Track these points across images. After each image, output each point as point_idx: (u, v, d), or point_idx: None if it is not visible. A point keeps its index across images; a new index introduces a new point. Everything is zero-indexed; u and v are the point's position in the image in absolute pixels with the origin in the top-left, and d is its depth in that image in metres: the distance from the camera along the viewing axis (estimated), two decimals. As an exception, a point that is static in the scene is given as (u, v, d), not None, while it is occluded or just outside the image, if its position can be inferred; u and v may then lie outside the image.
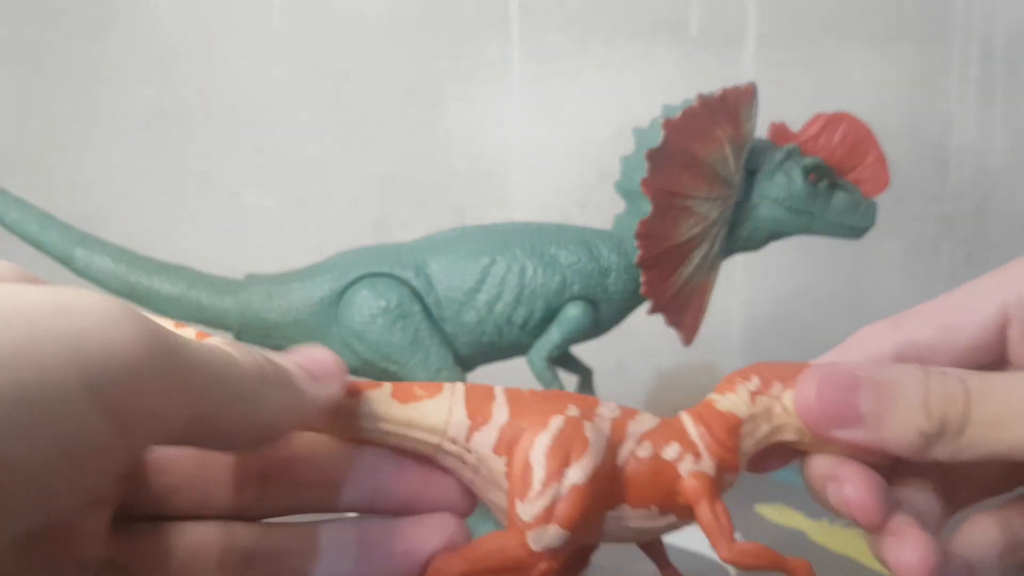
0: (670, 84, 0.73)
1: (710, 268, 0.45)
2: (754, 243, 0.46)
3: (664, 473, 0.24)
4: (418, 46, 0.73)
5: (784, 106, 0.50)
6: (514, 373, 0.50)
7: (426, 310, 0.43)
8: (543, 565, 0.22)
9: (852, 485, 0.23)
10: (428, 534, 0.24)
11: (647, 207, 0.42)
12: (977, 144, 0.76)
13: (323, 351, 0.23)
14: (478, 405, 0.24)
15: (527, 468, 0.23)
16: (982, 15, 0.75)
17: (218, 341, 0.21)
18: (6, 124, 0.72)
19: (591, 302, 0.44)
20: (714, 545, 0.23)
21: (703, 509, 0.23)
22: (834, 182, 0.45)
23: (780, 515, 0.51)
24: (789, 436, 0.25)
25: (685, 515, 0.24)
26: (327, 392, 0.22)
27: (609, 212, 0.47)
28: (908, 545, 0.23)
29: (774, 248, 0.48)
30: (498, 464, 0.23)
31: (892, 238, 0.76)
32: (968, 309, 0.25)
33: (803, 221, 0.45)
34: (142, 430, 0.16)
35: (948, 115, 0.76)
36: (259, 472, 0.24)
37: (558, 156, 0.75)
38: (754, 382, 0.25)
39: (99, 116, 0.72)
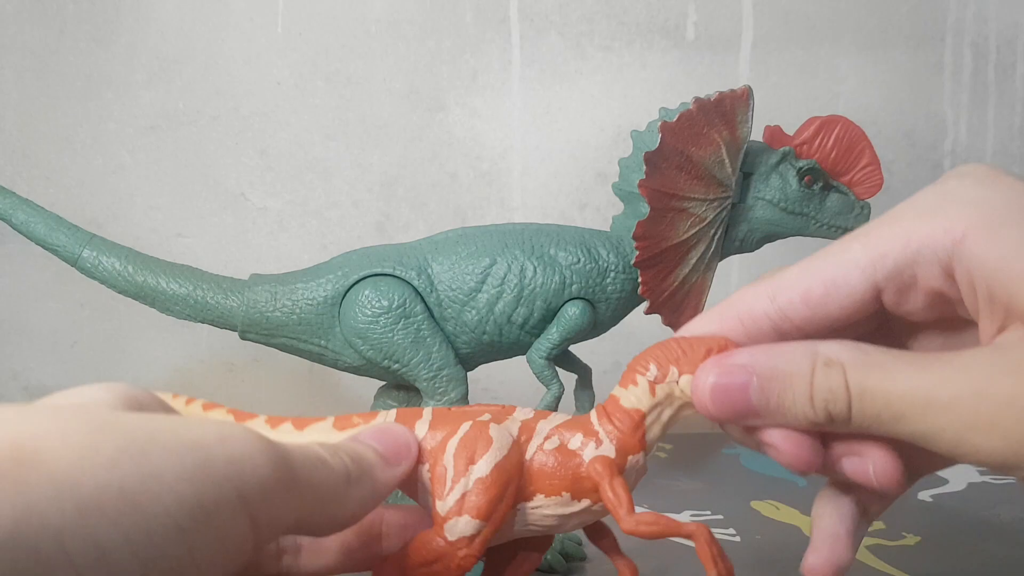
0: (667, 88, 0.74)
1: (706, 269, 0.46)
2: (750, 244, 0.47)
3: (570, 461, 0.26)
4: (420, 50, 0.74)
5: (779, 109, 0.51)
6: (514, 372, 0.51)
7: (428, 310, 0.44)
8: (461, 552, 0.25)
9: (781, 437, 0.25)
10: None
11: (645, 208, 0.43)
12: (970, 146, 0.77)
13: (400, 431, 0.26)
14: (407, 425, 0.27)
15: (442, 471, 0.25)
16: (974, 19, 0.76)
17: (314, 443, 0.24)
18: (15, 127, 0.73)
19: (590, 302, 0.45)
20: (615, 518, 0.25)
21: (603, 487, 0.25)
22: (828, 184, 0.45)
23: (776, 511, 0.52)
24: (691, 412, 0.26)
25: (597, 499, 0.26)
26: (399, 472, 0.25)
27: (607, 213, 0.48)
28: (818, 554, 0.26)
29: (769, 249, 0.48)
30: (424, 471, 0.26)
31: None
32: (838, 285, 0.24)
33: (798, 223, 0.46)
34: (268, 530, 0.20)
35: (941, 118, 0.77)
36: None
37: (557, 158, 0.75)
38: (652, 372, 0.26)
39: (106, 119, 0.73)
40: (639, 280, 0.44)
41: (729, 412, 0.24)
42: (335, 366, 0.46)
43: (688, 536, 0.25)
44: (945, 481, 0.57)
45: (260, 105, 0.74)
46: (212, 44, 0.73)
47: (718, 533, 0.48)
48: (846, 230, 0.46)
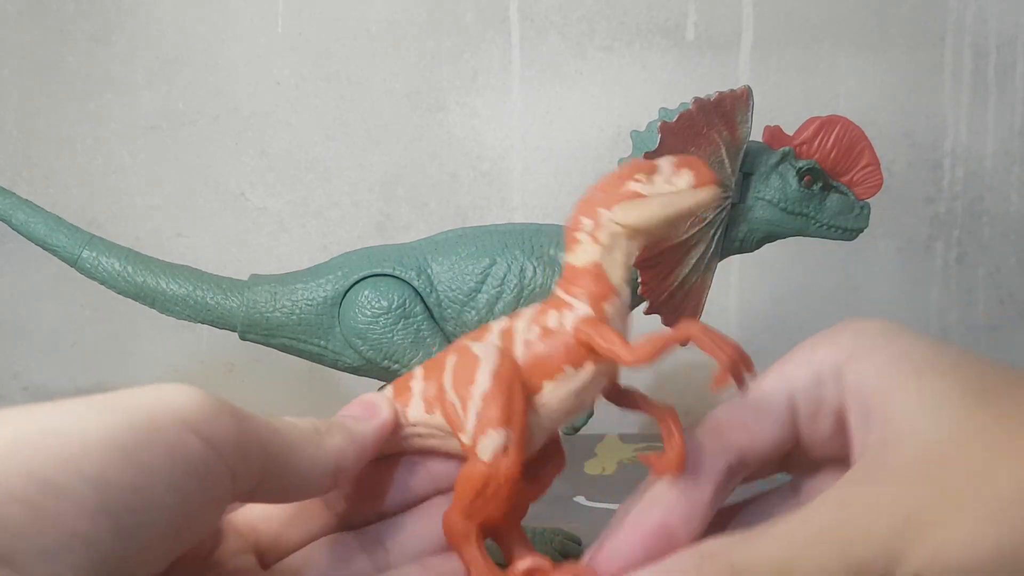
0: (667, 88, 0.74)
1: (706, 269, 0.46)
2: (750, 244, 0.47)
3: (555, 338, 0.26)
4: (420, 51, 0.74)
5: (779, 109, 0.51)
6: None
7: (428, 310, 0.44)
8: (503, 465, 0.25)
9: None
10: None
11: (644, 209, 0.43)
12: (969, 146, 0.77)
13: (365, 396, 0.26)
14: (402, 391, 0.27)
15: (451, 407, 0.26)
16: (974, 20, 0.76)
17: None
18: (15, 127, 0.73)
19: (590, 302, 0.45)
20: (618, 360, 0.25)
21: (595, 342, 0.25)
22: (828, 184, 0.45)
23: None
24: (640, 241, 0.26)
25: (598, 357, 0.26)
26: (375, 425, 0.25)
27: (607, 214, 0.48)
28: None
29: (769, 249, 0.48)
30: (437, 419, 0.26)
31: (886, 239, 0.77)
32: (764, 411, 0.25)
33: (798, 223, 0.46)
34: (234, 459, 0.20)
35: (941, 118, 0.77)
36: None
37: (557, 158, 0.75)
38: (586, 223, 0.26)
39: (106, 119, 0.73)
40: (639, 280, 0.44)
41: None
42: (335, 366, 0.46)
43: (684, 339, 0.25)
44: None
45: (260, 105, 0.74)
46: (212, 44, 0.73)
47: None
48: (846, 230, 0.46)
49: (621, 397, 0.28)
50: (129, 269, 0.46)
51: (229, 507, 0.21)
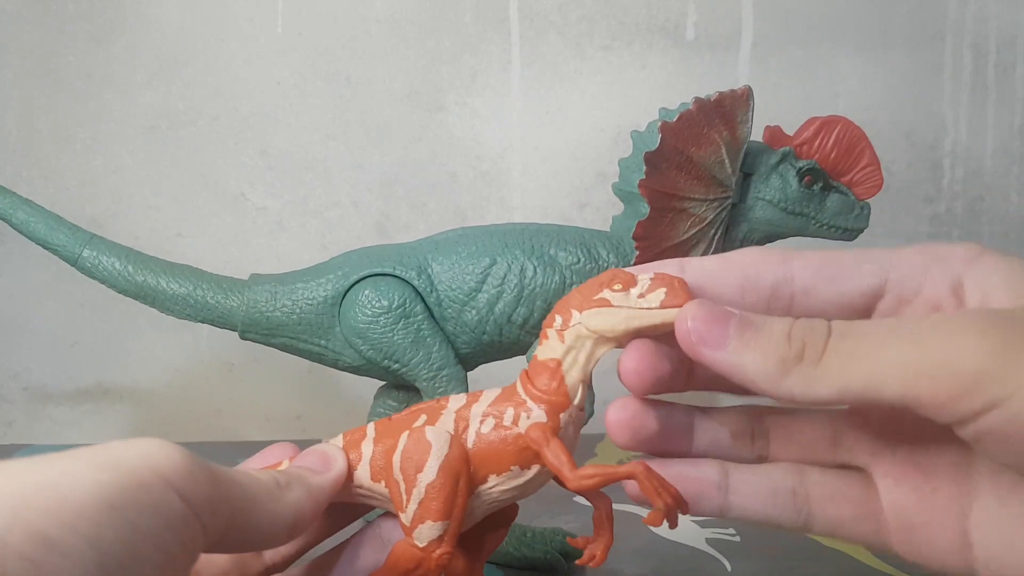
0: (667, 87, 0.74)
1: (706, 268, 0.46)
2: (750, 244, 0.47)
3: (508, 438, 0.27)
4: (419, 50, 0.74)
5: (779, 109, 0.51)
6: (514, 372, 0.51)
7: (428, 310, 0.44)
8: (436, 553, 0.26)
9: (626, 354, 0.26)
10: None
11: (644, 209, 0.43)
12: (970, 146, 0.77)
13: (322, 447, 0.28)
14: (353, 448, 0.28)
15: (396, 485, 0.27)
16: (974, 19, 0.76)
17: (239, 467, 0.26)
18: (15, 126, 0.73)
19: (590, 302, 0.45)
20: (561, 480, 0.26)
21: (544, 454, 0.26)
22: (828, 184, 0.45)
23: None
24: (605, 347, 0.27)
25: (542, 460, 0.27)
26: (331, 478, 0.27)
27: (607, 213, 0.48)
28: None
29: (769, 249, 0.48)
30: (381, 488, 0.28)
31: (886, 239, 0.77)
32: (852, 270, 0.26)
33: (798, 223, 0.46)
34: (206, 515, 0.21)
35: (941, 118, 0.77)
36: None
37: (557, 158, 0.75)
38: (557, 321, 0.27)
39: (106, 119, 0.73)
40: (639, 280, 0.44)
41: (700, 333, 0.24)
42: (335, 366, 0.46)
43: (628, 477, 0.26)
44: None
45: (260, 105, 0.74)
46: (212, 44, 0.73)
47: (718, 533, 0.48)
48: (846, 230, 0.46)
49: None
50: (129, 268, 0.46)
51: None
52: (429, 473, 0.26)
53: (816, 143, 0.46)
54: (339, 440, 0.29)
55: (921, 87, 0.76)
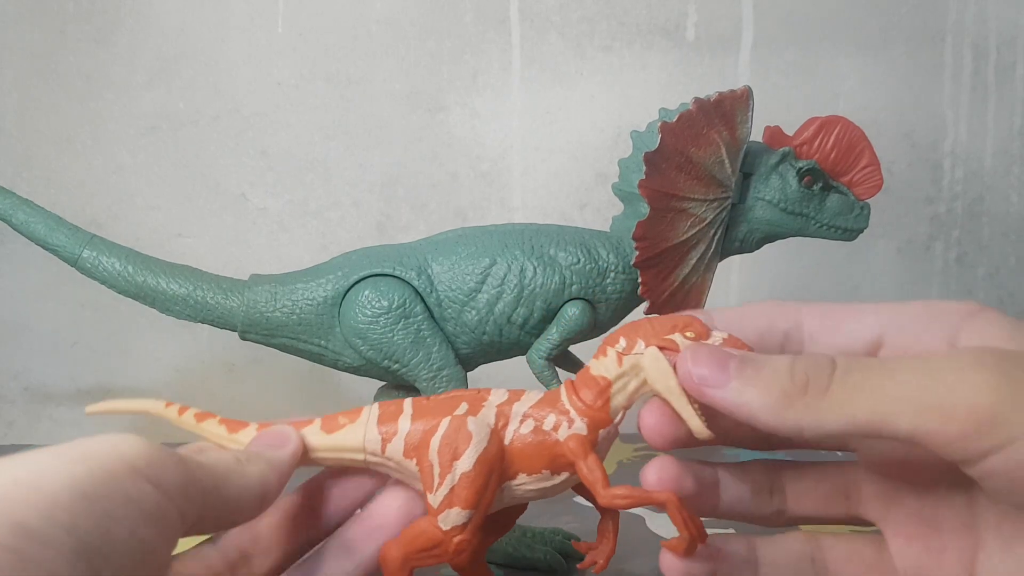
0: (667, 88, 0.74)
1: (706, 269, 0.46)
2: (750, 245, 0.47)
3: (546, 443, 0.28)
4: (420, 51, 0.74)
5: (779, 109, 0.51)
6: (514, 372, 0.51)
7: (428, 310, 0.44)
8: (456, 539, 0.27)
9: (649, 411, 0.27)
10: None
11: (644, 209, 0.43)
12: (969, 147, 0.77)
13: (278, 428, 0.29)
14: (388, 422, 0.29)
15: (429, 466, 0.28)
16: (975, 20, 0.76)
17: (195, 446, 0.28)
18: (15, 127, 0.73)
19: (590, 302, 0.45)
20: (593, 493, 0.27)
21: (580, 466, 0.27)
22: (828, 185, 0.45)
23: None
24: (657, 388, 0.28)
25: (574, 470, 0.28)
26: (289, 451, 0.28)
27: (607, 214, 0.48)
28: (654, 464, 0.27)
29: (769, 249, 0.48)
30: (411, 465, 0.28)
31: (886, 239, 0.77)
32: (853, 320, 0.27)
33: (798, 223, 0.46)
34: (179, 499, 0.22)
35: (941, 118, 0.77)
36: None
37: (557, 158, 0.75)
38: (621, 344, 0.28)
39: (106, 119, 0.73)
40: (639, 280, 0.44)
41: (703, 373, 0.25)
42: (335, 366, 0.46)
43: (660, 504, 0.27)
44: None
45: (260, 105, 0.74)
46: (212, 44, 0.73)
47: (718, 533, 0.48)
48: (846, 230, 0.46)
49: (583, 490, 0.30)
50: (130, 269, 0.46)
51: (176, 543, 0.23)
52: (466, 463, 0.27)
53: (816, 143, 0.46)
54: (375, 410, 0.29)
55: (921, 87, 0.76)
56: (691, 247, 0.45)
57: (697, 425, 0.27)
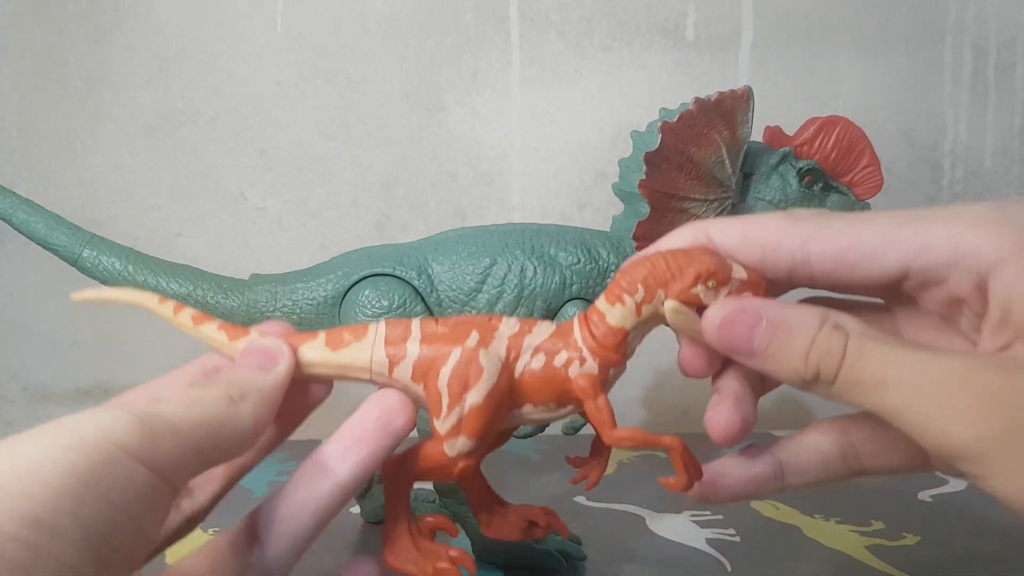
0: (667, 88, 0.74)
1: (706, 268, 0.46)
2: (750, 244, 0.47)
3: (556, 378, 0.28)
4: (419, 50, 0.74)
5: (779, 109, 0.51)
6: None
7: (428, 310, 0.44)
8: (460, 464, 0.28)
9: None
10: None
11: (644, 209, 0.43)
12: (969, 146, 0.77)
13: (266, 342, 0.28)
14: (396, 343, 0.28)
15: (437, 395, 0.27)
16: (974, 19, 0.76)
17: (186, 390, 0.26)
18: (15, 127, 0.73)
19: (590, 302, 0.45)
20: (599, 433, 0.27)
21: (589, 405, 0.27)
22: (828, 185, 0.45)
23: (776, 511, 0.52)
24: (683, 334, 0.28)
25: (579, 404, 0.28)
26: (281, 374, 0.27)
27: (607, 213, 0.48)
28: (719, 410, 0.27)
29: (769, 249, 0.48)
30: (417, 390, 0.28)
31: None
32: (875, 258, 0.26)
33: (798, 223, 0.46)
34: (171, 475, 0.22)
35: (941, 118, 0.77)
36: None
37: (557, 158, 0.75)
38: (640, 294, 0.28)
39: (106, 119, 0.73)
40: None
41: (728, 344, 0.26)
42: (335, 366, 0.46)
43: (666, 447, 0.27)
44: (945, 481, 0.57)
45: (260, 105, 0.74)
46: (212, 44, 0.73)
47: (719, 533, 0.48)
48: (846, 230, 0.46)
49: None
50: (129, 268, 0.46)
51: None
52: (476, 396, 0.27)
53: (816, 143, 0.46)
54: (382, 329, 0.28)
55: (921, 87, 0.76)
56: (691, 247, 0.45)
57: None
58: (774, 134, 0.47)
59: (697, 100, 0.43)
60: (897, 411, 0.23)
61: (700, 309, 0.27)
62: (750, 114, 0.45)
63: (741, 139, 0.44)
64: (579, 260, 0.44)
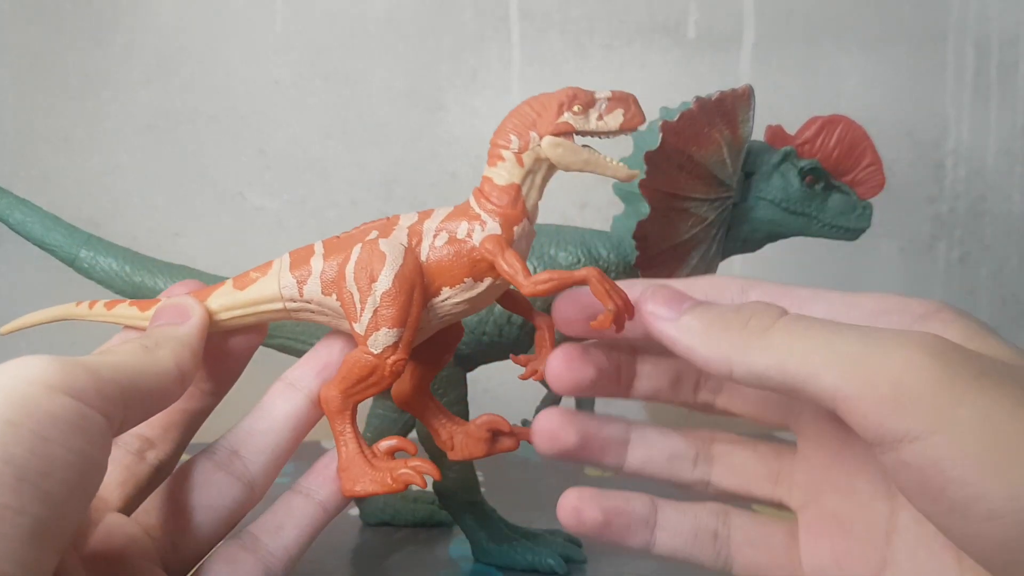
0: (668, 87, 0.74)
1: (708, 269, 0.46)
2: (751, 244, 0.46)
3: (462, 251, 0.28)
4: (419, 49, 0.74)
5: (781, 108, 0.51)
6: (514, 372, 0.51)
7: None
8: (390, 360, 0.27)
9: (556, 358, 0.28)
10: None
11: (645, 208, 0.43)
12: (972, 146, 0.77)
13: (175, 300, 0.29)
14: (301, 264, 0.28)
15: (349, 296, 0.27)
16: (976, 18, 0.76)
17: (99, 349, 0.27)
18: (12, 126, 0.72)
19: (590, 302, 0.44)
20: (515, 285, 0.27)
21: (498, 263, 0.27)
22: (830, 184, 0.45)
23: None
24: (558, 170, 0.28)
25: (497, 275, 0.28)
26: (195, 323, 0.28)
27: (607, 213, 0.48)
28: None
29: (771, 249, 0.48)
30: (331, 302, 0.28)
31: (888, 239, 0.76)
32: (803, 308, 0.26)
33: (800, 223, 0.45)
34: (99, 403, 0.22)
35: (943, 117, 0.76)
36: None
37: (557, 158, 0.75)
38: (514, 143, 0.28)
39: (104, 118, 0.73)
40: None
41: (662, 307, 0.26)
42: (334, 367, 0.45)
43: (582, 281, 0.26)
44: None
45: (258, 104, 0.73)
46: (210, 43, 0.73)
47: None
48: (848, 230, 0.46)
49: (509, 302, 0.30)
50: (127, 268, 0.46)
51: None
52: (384, 282, 0.27)
53: (818, 142, 0.45)
54: (286, 258, 0.29)
55: (923, 86, 0.76)
56: (692, 247, 0.44)
57: (622, 170, 0.27)
58: (776, 133, 0.46)
59: (698, 99, 0.43)
60: (834, 363, 0.22)
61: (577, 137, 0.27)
62: (751, 113, 0.44)
63: (742, 138, 0.44)
64: (579, 260, 0.44)
